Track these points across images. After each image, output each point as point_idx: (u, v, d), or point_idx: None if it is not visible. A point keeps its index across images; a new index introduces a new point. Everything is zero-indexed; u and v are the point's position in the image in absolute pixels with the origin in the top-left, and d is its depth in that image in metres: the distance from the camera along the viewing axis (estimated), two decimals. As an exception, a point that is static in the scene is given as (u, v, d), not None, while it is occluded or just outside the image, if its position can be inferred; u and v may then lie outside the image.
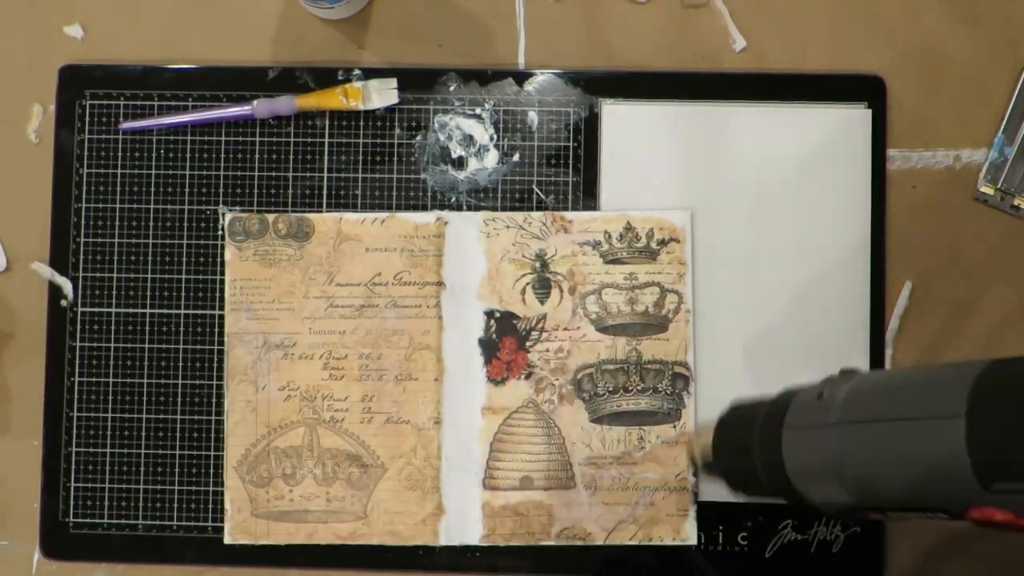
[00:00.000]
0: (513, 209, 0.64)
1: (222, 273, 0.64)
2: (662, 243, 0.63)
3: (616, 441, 0.62)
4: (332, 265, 0.63)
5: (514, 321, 0.63)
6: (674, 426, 0.62)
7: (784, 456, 0.49)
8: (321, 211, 0.64)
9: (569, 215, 0.63)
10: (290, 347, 0.63)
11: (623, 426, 0.62)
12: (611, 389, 0.63)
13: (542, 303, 0.63)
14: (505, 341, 0.63)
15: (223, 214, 0.64)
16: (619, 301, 0.63)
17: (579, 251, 0.63)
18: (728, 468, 0.54)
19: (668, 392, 0.62)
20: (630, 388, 0.63)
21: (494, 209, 0.64)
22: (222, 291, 0.64)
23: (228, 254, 0.64)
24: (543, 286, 0.63)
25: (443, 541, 0.62)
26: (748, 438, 0.51)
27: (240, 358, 0.63)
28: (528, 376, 0.63)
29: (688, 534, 0.62)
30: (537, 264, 0.63)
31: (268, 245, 0.64)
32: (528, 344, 0.63)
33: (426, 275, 0.63)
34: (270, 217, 0.64)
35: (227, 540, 0.63)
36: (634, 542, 0.62)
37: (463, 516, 0.62)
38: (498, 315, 0.63)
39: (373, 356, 0.63)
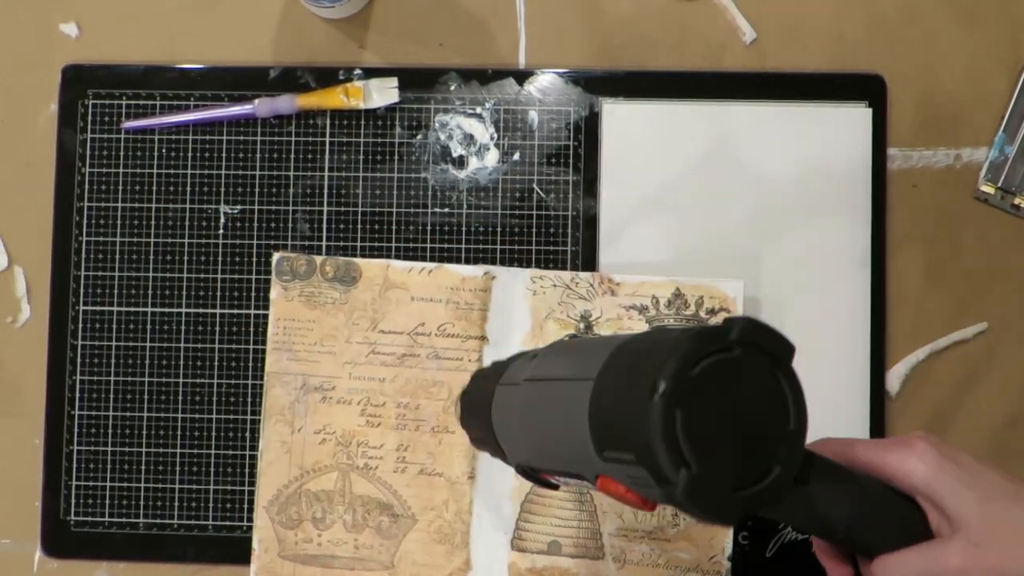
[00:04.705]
0: (513, 208, 0.64)
1: (223, 272, 0.64)
2: (712, 312, 0.61)
3: (649, 515, 0.60)
4: (377, 311, 0.63)
5: None
6: None
7: (492, 411, 0.47)
8: (357, 249, 0.64)
9: (617, 277, 0.62)
10: (329, 391, 0.63)
11: None
12: None
13: None
14: None
15: (272, 254, 0.64)
16: None
17: (625, 315, 0.62)
18: (468, 425, 0.51)
19: None
20: None
21: (495, 209, 0.64)
22: (223, 289, 0.64)
23: (274, 293, 0.63)
24: None
25: (470, 599, 0.62)
26: (480, 393, 0.49)
27: (278, 398, 0.63)
28: None
29: None
30: (582, 325, 0.62)
31: (314, 287, 0.63)
32: None
33: (470, 328, 0.63)
34: (318, 259, 0.63)
35: None
36: None
37: (490, 574, 0.61)
38: None
39: (411, 406, 0.63)
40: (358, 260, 0.63)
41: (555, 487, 0.46)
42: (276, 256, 0.64)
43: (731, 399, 0.38)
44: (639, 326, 0.62)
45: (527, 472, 0.46)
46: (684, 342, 0.37)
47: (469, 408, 0.51)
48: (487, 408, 0.48)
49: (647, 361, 0.37)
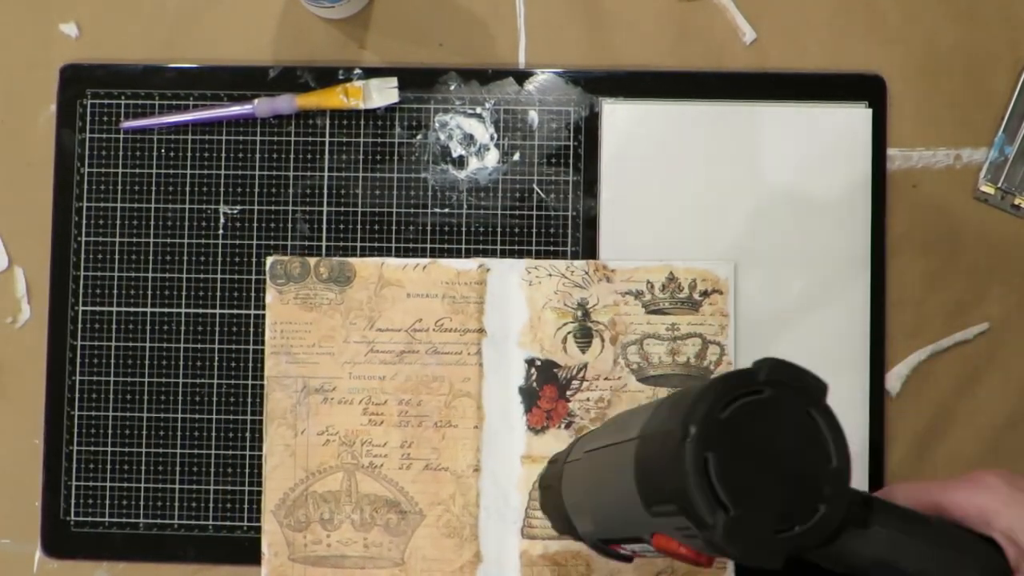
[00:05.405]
0: (513, 208, 0.64)
1: (222, 272, 0.64)
2: (704, 294, 0.63)
3: None
4: (373, 310, 0.63)
5: (555, 370, 0.63)
6: None
7: (563, 490, 0.48)
8: (356, 249, 0.64)
9: (612, 264, 0.63)
10: (330, 391, 0.63)
11: None
12: None
13: (583, 352, 0.63)
14: (546, 390, 0.62)
15: (264, 258, 0.64)
16: (660, 352, 0.62)
17: (621, 300, 0.63)
18: (546, 510, 0.53)
19: None
20: None
21: (495, 209, 0.64)
22: (222, 290, 0.64)
23: (269, 297, 0.63)
24: (584, 335, 0.63)
25: (482, 591, 0.62)
26: (553, 477, 0.51)
27: (279, 401, 0.63)
28: (568, 425, 0.62)
29: None
30: (579, 313, 0.63)
31: (309, 289, 0.63)
32: (569, 393, 0.62)
33: (467, 322, 0.63)
34: (311, 261, 0.63)
35: None
36: None
37: (501, 564, 0.62)
38: (539, 363, 0.63)
39: (413, 402, 0.63)
40: (352, 260, 0.63)
41: (629, 559, 0.46)
42: (270, 260, 0.64)
43: (767, 440, 0.37)
44: (636, 311, 0.62)
45: (600, 547, 0.46)
46: (710, 386, 0.37)
47: (545, 492, 0.52)
48: (559, 487, 0.48)
49: (678, 410, 0.38)
